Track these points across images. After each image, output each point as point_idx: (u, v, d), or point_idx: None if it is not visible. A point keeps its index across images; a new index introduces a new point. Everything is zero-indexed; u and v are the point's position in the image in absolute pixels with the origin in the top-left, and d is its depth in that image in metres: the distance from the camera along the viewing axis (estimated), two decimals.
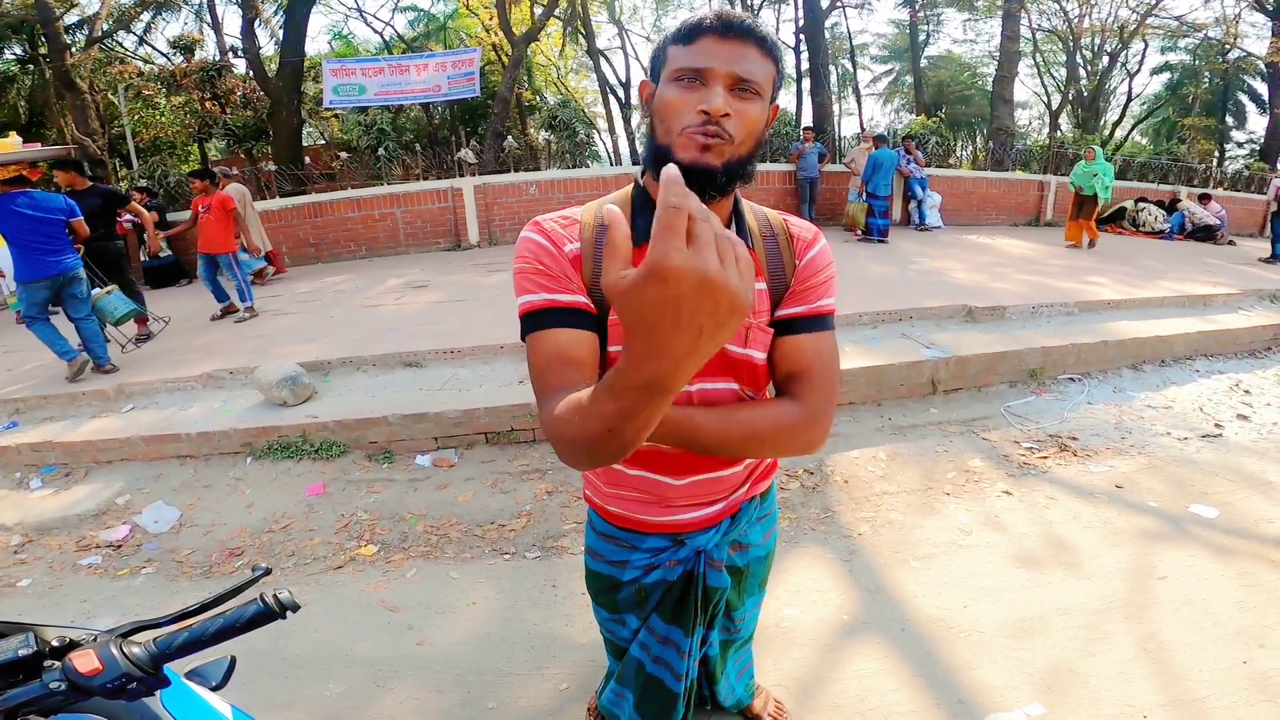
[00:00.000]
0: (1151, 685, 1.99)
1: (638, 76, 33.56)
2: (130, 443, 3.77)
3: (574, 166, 11.92)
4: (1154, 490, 3.19)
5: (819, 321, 1.03)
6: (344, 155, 11.44)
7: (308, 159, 13.73)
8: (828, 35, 19.85)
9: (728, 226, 1.01)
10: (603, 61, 22.90)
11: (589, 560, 1.28)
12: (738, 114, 0.88)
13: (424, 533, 3.02)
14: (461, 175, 10.23)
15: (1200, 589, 2.44)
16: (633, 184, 1.04)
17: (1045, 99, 27.01)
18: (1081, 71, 23.89)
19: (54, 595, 2.80)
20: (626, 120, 23.62)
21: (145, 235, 6.51)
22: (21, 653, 0.75)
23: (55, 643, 0.79)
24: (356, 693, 2.10)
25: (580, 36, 21.93)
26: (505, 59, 17.53)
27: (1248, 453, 3.59)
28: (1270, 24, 18.51)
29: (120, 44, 19.30)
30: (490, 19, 20.16)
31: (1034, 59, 24.43)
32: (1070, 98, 24.29)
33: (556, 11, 16.67)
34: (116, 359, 4.89)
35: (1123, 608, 2.35)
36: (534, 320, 0.94)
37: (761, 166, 10.78)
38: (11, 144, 4.70)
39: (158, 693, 0.84)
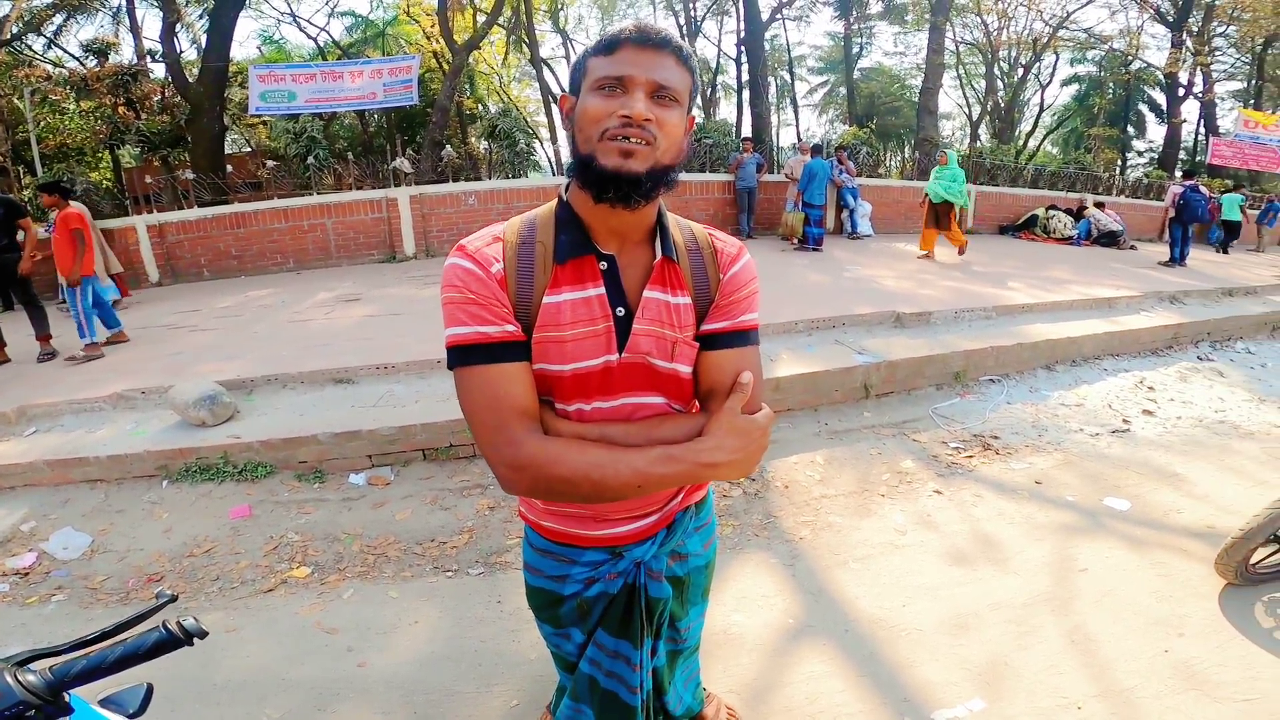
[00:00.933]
0: (1082, 676, 2.09)
1: None
2: (34, 467, 3.48)
3: (514, 176, 11.81)
4: (1070, 485, 3.37)
5: (741, 336, 1.05)
6: (270, 164, 10.97)
7: (230, 167, 13.14)
8: (767, 47, 20.44)
9: (651, 238, 1.02)
10: (546, 71, 22.82)
11: (528, 576, 1.26)
12: (658, 120, 0.90)
13: (360, 552, 2.91)
14: (397, 185, 9.98)
15: (1119, 580, 2.58)
16: (556, 200, 1.04)
17: (967, 110, 28.57)
18: (999, 83, 25.40)
19: None
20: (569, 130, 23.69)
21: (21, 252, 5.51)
22: None
23: None
24: (295, 717, 2.00)
25: (524, 45, 21.81)
26: (447, 67, 17.27)
27: (1154, 446, 3.85)
28: (1170, 35, 20.10)
29: (30, 47, 18.06)
30: (431, 26, 19.81)
31: (957, 71, 25.84)
32: (989, 109, 25.76)
33: (500, 20, 16.54)
34: (17, 378, 4.52)
35: (1049, 601, 2.46)
36: (464, 354, 0.94)
37: (700, 176, 10.97)
38: None
39: None
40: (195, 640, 0.81)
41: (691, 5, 23.59)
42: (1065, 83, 28.26)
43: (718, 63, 26.23)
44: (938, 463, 3.61)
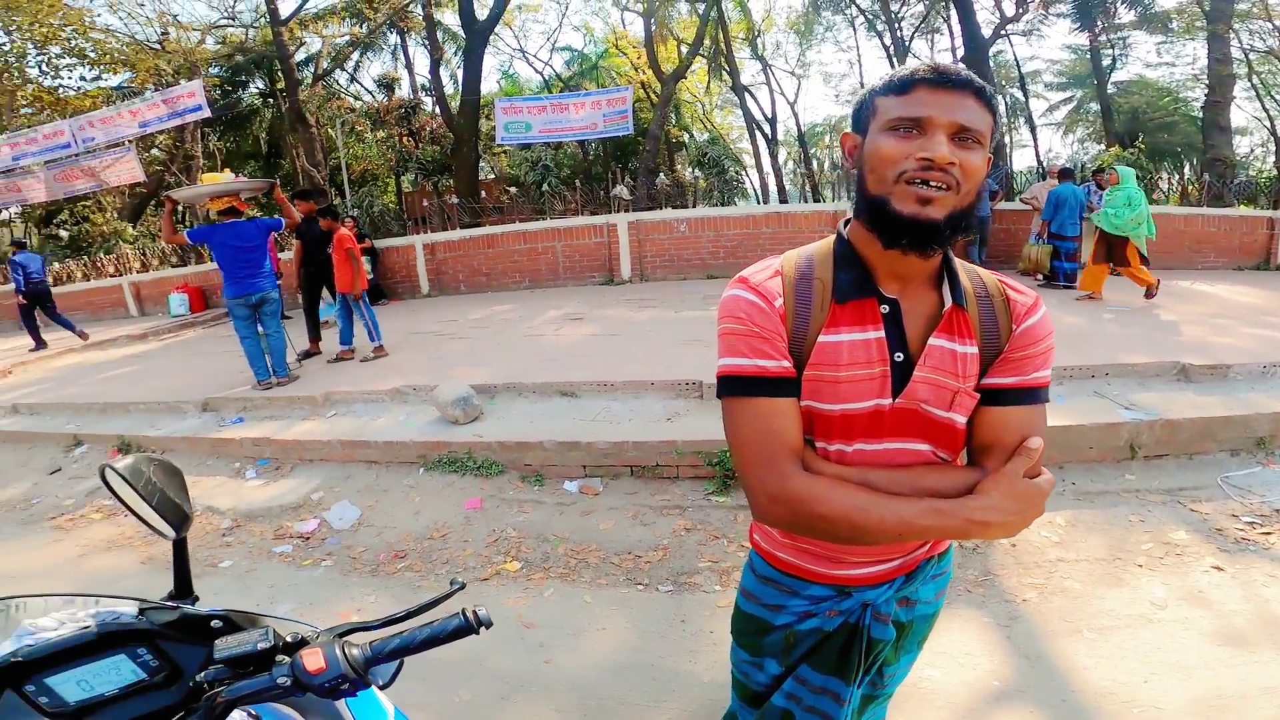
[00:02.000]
0: None
1: (783, 112, 33.26)
2: (330, 445, 4.32)
3: (724, 203, 12.03)
4: None
5: (1031, 394, 0.98)
6: (513, 190, 12.45)
7: (483, 193, 15.08)
8: (991, 64, 18.47)
9: (936, 281, 0.99)
10: (747, 97, 22.97)
11: (741, 601, 1.26)
12: (961, 163, 0.86)
13: (565, 555, 3.15)
14: (615, 211, 10.72)
15: None
16: (834, 236, 1.03)
17: (1268, 124, 22.98)
18: None
19: (248, 579, 3.23)
20: (773, 157, 23.44)
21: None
22: (260, 646, 0.79)
23: (289, 638, 0.84)
24: (482, 703, 2.20)
25: (724, 73, 22.25)
26: (654, 96, 18.17)
27: None
28: None
29: (336, 81, 22.21)
30: (638, 57, 21.06)
31: (1250, 81, 20.95)
32: None
33: (700, 49, 17.07)
34: (327, 369, 5.65)
35: None
36: (740, 385, 0.96)
37: None
38: (222, 177, 5.67)
39: None
40: (483, 630, 0.85)
41: (897, 25, 22.10)
42: None
43: None
44: (1222, 536, 3.02)
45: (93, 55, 16.61)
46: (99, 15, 16.40)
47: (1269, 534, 3.02)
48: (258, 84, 20.74)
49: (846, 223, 1.01)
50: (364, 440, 4.25)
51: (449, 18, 19.22)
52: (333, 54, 20.34)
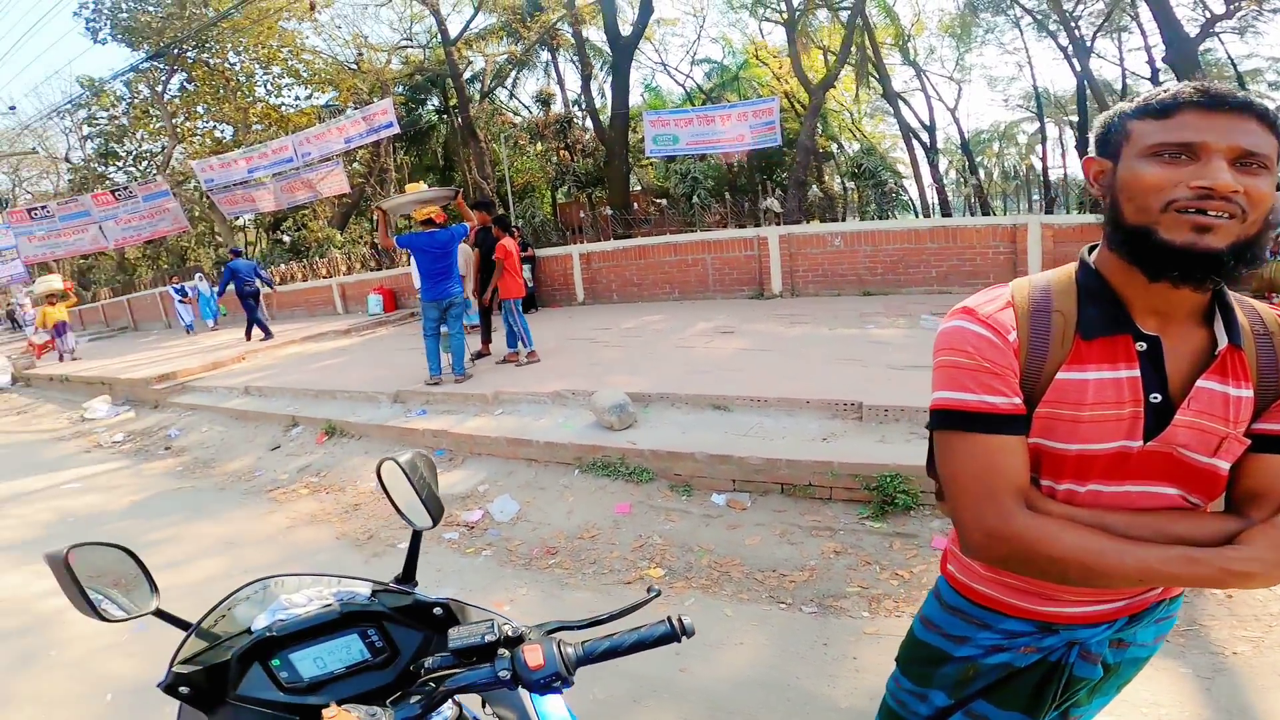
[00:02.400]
0: None
1: (942, 119, 30.78)
2: (497, 442, 4.73)
3: (881, 216, 11.47)
4: None
5: None
6: (662, 201, 12.78)
7: (635, 204, 15.58)
8: (1201, 62, 15.88)
9: (1204, 317, 0.92)
10: (901, 105, 21.59)
11: (918, 628, 1.22)
12: (1247, 190, 0.79)
13: (708, 567, 3.20)
14: (765, 224, 10.59)
15: None
16: (1076, 264, 0.97)
17: None
18: None
19: (419, 562, 3.60)
20: (933, 166, 21.91)
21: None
22: (488, 638, 0.81)
23: (510, 633, 0.85)
24: (616, 703, 2.28)
25: (873, 80, 21.12)
26: (797, 107, 17.65)
27: None
28: None
29: (498, 98, 23.86)
30: (780, 67, 20.55)
31: None
32: None
33: (848, 56, 16.37)
34: (496, 370, 6.17)
35: None
36: (963, 420, 0.93)
37: None
38: (419, 187, 6.39)
39: None
40: (684, 638, 0.84)
41: (1074, 24, 19.54)
42: None
43: (1123, 85, 21.32)
44: None
45: (305, 75, 19.36)
46: (307, 37, 19.00)
47: None
48: (434, 101, 22.84)
49: (1091, 249, 0.96)
50: (526, 439, 4.59)
51: (594, 34, 20.09)
52: (494, 72, 21.93)
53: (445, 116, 22.33)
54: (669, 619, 0.86)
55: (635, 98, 23.56)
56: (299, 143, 14.42)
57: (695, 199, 14.71)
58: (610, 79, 15.54)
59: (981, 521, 0.91)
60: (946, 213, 20.77)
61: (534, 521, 3.86)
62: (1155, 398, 0.89)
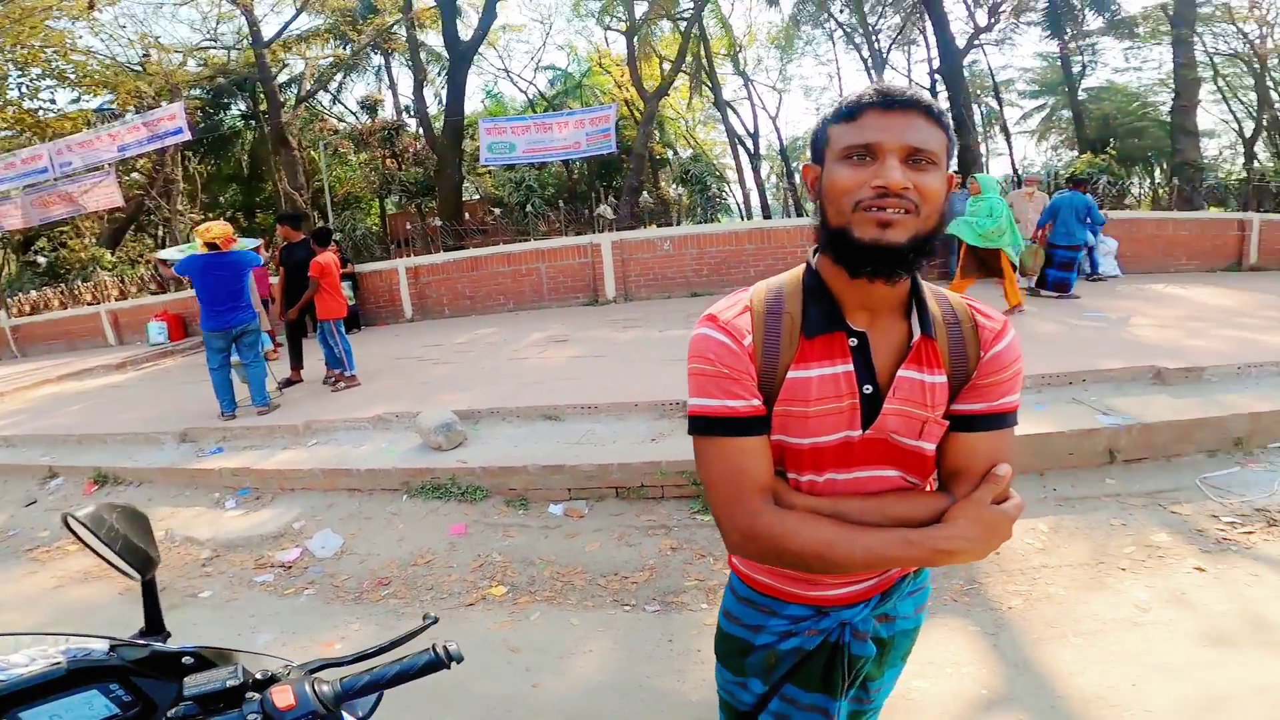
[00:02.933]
0: None
1: (765, 127, 33.67)
2: (311, 474, 4.28)
3: (706, 220, 12.12)
4: None
5: (999, 420, 0.99)
6: (496, 211, 12.48)
7: (467, 214, 15.06)
8: (966, 73, 18.89)
9: (905, 310, 0.98)
10: (730, 113, 23.27)
11: (723, 621, 1.27)
12: (918, 186, 0.85)
13: (551, 578, 3.13)
14: (599, 231, 10.74)
15: None
16: (803, 267, 1.03)
17: (1236, 127, 23.58)
18: (1274, 94, 20.62)
19: (229, 609, 3.18)
20: (756, 171, 23.76)
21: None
22: (230, 683, 0.80)
23: (259, 675, 0.84)
24: None
25: (706, 89, 22.55)
26: (636, 114, 18.34)
27: None
28: None
29: (320, 103, 22.19)
30: (621, 75, 21.26)
31: (1216, 84, 21.53)
32: (1264, 123, 20.99)
33: (683, 66, 17.29)
34: (310, 396, 5.60)
35: None
36: (709, 425, 0.97)
37: None
38: (219, 228, 5.65)
39: None
40: (453, 664, 0.85)
41: (875, 38, 22.56)
42: None
43: None
44: (1203, 538, 3.08)
45: (73, 77, 16.55)
46: (80, 37, 16.31)
47: (1249, 533, 3.06)
48: (240, 106, 20.73)
49: (815, 252, 1.00)
50: (346, 468, 4.21)
51: (433, 39, 19.36)
52: (316, 75, 20.40)
53: (254, 122, 20.25)
54: (434, 647, 0.86)
55: (475, 104, 22.98)
56: (56, 151, 12.28)
57: (530, 207, 14.59)
58: (447, 85, 14.87)
59: (734, 521, 0.95)
60: (767, 215, 22.50)
61: (361, 553, 3.56)
62: (867, 389, 0.96)
